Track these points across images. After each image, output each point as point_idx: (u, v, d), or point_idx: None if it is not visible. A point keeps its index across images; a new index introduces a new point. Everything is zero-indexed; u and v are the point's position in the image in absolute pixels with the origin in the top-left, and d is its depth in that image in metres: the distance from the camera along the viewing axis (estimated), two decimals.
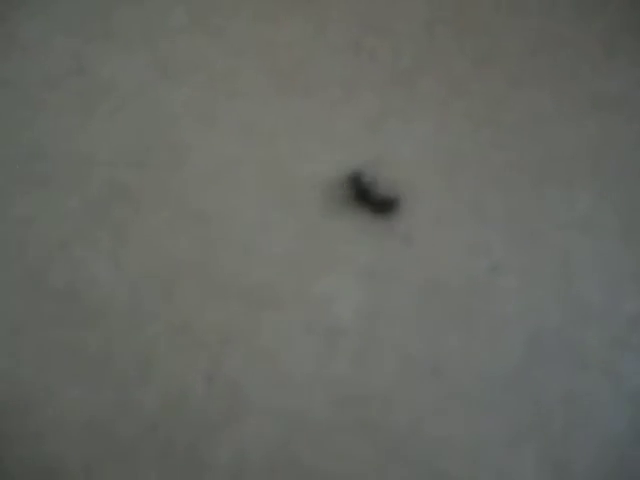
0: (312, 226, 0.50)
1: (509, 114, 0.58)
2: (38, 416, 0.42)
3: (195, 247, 0.48)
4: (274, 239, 0.49)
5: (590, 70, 0.62)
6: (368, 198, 0.50)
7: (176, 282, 0.46)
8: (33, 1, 0.58)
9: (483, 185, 0.54)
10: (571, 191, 0.54)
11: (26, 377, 0.43)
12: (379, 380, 0.44)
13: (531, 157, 0.56)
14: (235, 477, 0.41)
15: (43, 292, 0.46)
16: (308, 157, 0.53)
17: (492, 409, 0.44)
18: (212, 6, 0.61)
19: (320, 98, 0.57)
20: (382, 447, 0.42)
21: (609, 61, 0.64)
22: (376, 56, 0.60)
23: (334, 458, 0.42)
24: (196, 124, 0.54)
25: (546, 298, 0.48)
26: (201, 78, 0.57)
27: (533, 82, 0.61)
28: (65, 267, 0.47)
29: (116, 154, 0.52)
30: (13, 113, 0.54)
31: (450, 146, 0.56)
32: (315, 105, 0.57)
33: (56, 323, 0.45)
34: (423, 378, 0.44)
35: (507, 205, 0.52)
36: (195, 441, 0.42)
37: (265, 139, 0.54)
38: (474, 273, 0.48)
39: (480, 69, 0.61)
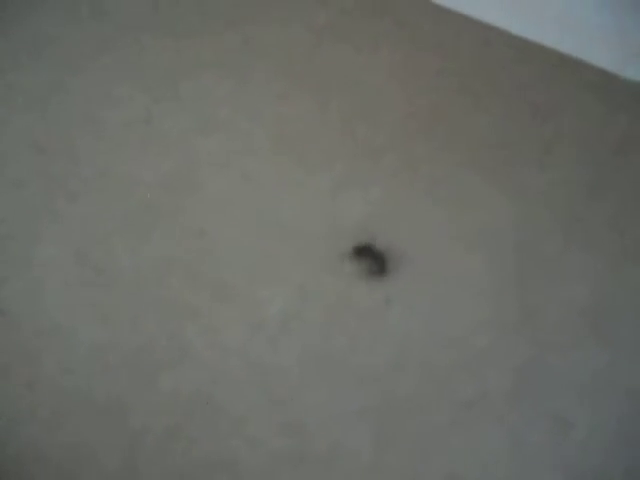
0: (274, 252, 0.71)
1: (444, 190, 0.76)
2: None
3: (188, 250, 0.70)
4: (245, 256, 0.70)
5: (524, 165, 0.79)
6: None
7: (170, 271, 0.68)
8: (121, 63, 0.83)
9: (410, 243, 0.72)
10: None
11: (53, 316, 0.67)
12: (282, 359, 0.64)
13: (450, 220, 0.74)
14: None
15: (85, 266, 0.69)
16: (284, 205, 0.74)
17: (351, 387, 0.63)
18: (247, 85, 0.83)
19: (303, 162, 0.77)
20: (270, 399, 0.63)
21: (545, 159, 0.80)
22: (357, 134, 0.80)
23: (237, 399, 0.63)
24: (212, 168, 0.76)
25: (416, 326, 0.66)
26: (226, 135, 0.79)
27: (475, 168, 0.78)
28: (104, 250, 0.70)
29: (153, 178, 0.75)
30: (96, 145, 0.78)
31: (393, 208, 0.75)
32: (299, 168, 0.77)
33: (80, 285, 0.69)
34: (314, 360, 0.64)
35: (414, 257, 0.71)
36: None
37: (259, 187, 0.75)
38: (372, 303, 0.67)
39: (436, 153, 0.79)
